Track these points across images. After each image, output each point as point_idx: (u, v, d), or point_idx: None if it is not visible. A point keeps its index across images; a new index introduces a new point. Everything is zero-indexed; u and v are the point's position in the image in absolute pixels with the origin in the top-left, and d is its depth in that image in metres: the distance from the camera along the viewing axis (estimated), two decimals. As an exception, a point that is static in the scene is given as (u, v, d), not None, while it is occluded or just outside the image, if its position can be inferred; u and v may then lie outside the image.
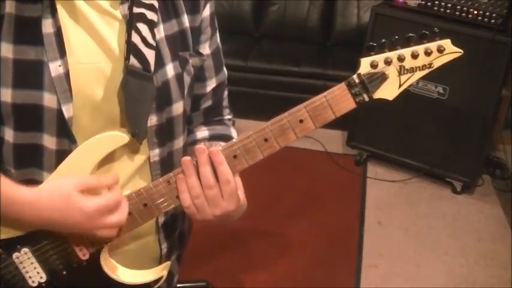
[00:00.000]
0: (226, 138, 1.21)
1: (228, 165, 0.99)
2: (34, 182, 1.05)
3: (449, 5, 2.95)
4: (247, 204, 1.09)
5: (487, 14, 2.88)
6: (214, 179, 0.99)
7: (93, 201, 0.98)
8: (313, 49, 3.95)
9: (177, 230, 1.27)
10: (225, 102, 1.31)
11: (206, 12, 1.16)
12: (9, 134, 1.03)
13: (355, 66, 0.98)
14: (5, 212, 0.97)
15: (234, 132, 1.27)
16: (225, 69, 1.27)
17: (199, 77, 1.20)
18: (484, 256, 2.81)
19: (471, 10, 2.91)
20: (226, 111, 1.32)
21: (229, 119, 1.32)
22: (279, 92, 3.72)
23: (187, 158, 1.00)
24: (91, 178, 1.02)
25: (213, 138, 1.23)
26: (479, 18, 2.90)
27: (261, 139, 0.99)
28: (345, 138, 3.50)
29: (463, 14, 2.93)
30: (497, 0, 2.90)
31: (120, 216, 1.02)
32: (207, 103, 1.26)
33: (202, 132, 1.25)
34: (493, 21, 2.87)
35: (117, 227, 1.03)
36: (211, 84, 1.24)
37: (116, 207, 1.01)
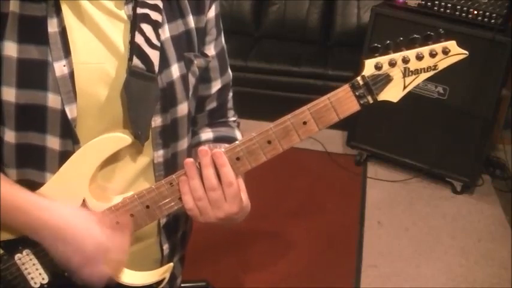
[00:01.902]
0: (231, 140, 1.20)
1: (231, 167, 0.99)
2: (34, 183, 1.05)
3: (449, 5, 2.95)
4: (250, 204, 1.08)
5: (487, 14, 2.88)
6: (217, 181, 0.99)
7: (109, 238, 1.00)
8: (313, 49, 3.95)
9: (179, 232, 1.27)
10: (230, 104, 1.30)
11: (211, 13, 1.16)
12: (9, 135, 1.02)
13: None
14: (14, 220, 0.98)
15: (238, 134, 1.26)
16: (229, 70, 1.27)
17: (204, 78, 1.20)
18: (484, 256, 2.81)
19: (471, 10, 2.91)
20: (231, 112, 1.31)
21: (234, 121, 1.31)
22: (279, 92, 3.73)
23: (190, 160, 1.00)
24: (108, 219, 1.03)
25: (217, 140, 1.22)
26: (479, 18, 2.90)
27: (264, 141, 0.98)
28: (345, 138, 3.50)
29: (463, 14, 2.93)
30: (497, 0, 2.90)
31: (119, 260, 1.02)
32: (212, 104, 1.25)
33: (207, 134, 1.24)
34: (493, 21, 2.87)
35: (102, 276, 1.02)
36: (216, 86, 1.23)
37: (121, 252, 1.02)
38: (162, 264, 1.20)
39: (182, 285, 1.36)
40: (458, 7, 2.94)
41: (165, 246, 1.22)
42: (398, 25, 2.99)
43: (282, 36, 4.04)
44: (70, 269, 1.01)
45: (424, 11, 3.01)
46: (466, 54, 0.95)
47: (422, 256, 2.78)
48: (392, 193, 3.24)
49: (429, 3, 3.00)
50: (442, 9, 2.97)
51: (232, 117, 1.31)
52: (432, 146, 3.18)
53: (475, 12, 2.91)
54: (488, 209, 3.18)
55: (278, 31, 4.06)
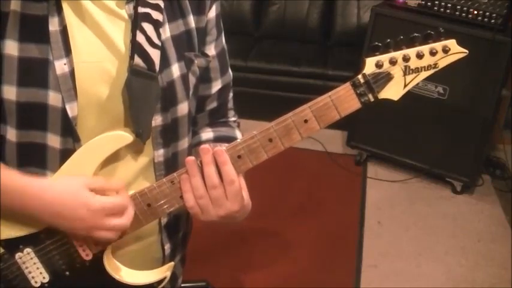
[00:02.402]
0: (231, 140, 1.19)
1: (232, 166, 0.99)
2: None
3: (449, 5, 2.95)
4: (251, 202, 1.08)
5: (487, 14, 2.88)
6: (219, 179, 0.99)
7: (100, 199, 0.99)
8: (313, 49, 3.95)
9: (180, 231, 1.27)
10: (230, 104, 1.30)
11: (212, 13, 1.16)
12: (11, 133, 1.02)
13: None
14: (11, 202, 0.98)
15: (239, 134, 1.26)
16: (230, 71, 1.27)
17: (205, 78, 1.20)
18: (484, 256, 2.81)
19: (471, 10, 2.92)
20: (232, 112, 1.31)
21: (235, 121, 1.32)
22: (279, 92, 3.73)
23: (191, 158, 1.00)
24: (101, 179, 1.02)
25: (217, 139, 1.22)
26: (479, 18, 2.90)
27: (265, 139, 0.98)
28: (345, 138, 3.50)
29: (463, 14, 2.93)
30: (497, 0, 2.90)
31: (124, 220, 1.01)
32: (212, 104, 1.25)
33: (207, 134, 1.24)
34: (493, 21, 2.87)
35: (118, 231, 1.02)
36: (216, 86, 1.23)
37: (121, 210, 1.01)
38: (163, 264, 1.20)
39: (182, 285, 1.36)
40: (458, 7, 2.94)
41: (167, 246, 1.22)
42: (398, 25, 2.99)
43: (282, 36, 4.04)
44: (83, 238, 1.02)
45: (424, 11, 3.01)
46: (466, 52, 0.95)
47: (422, 256, 2.78)
48: (392, 193, 3.24)
49: (429, 3, 3.00)
50: (442, 9, 2.98)
51: (232, 117, 1.31)
52: (432, 146, 3.18)
53: (475, 12, 2.91)
54: (488, 209, 3.18)
55: (278, 31, 4.06)
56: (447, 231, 2.98)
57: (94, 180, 1.01)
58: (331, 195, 3.19)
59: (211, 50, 1.19)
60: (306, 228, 2.90)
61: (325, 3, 4.03)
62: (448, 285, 2.62)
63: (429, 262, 2.75)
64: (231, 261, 2.65)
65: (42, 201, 0.97)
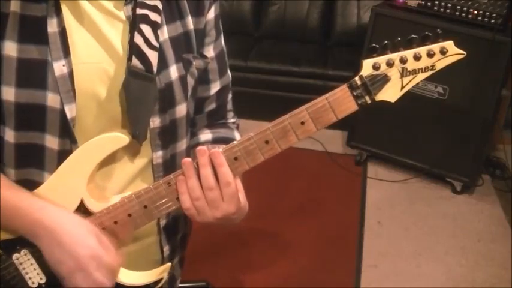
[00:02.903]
0: (230, 141, 1.19)
1: (228, 167, 0.99)
2: (33, 182, 1.05)
3: (449, 5, 2.95)
4: (248, 204, 1.08)
5: (487, 14, 2.88)
6: (215, 181, 0.99)
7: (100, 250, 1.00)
8: (313, 49, 3.95)
9: (179, 233, 1.27)
10: (229, 105, 1.30)
11: (211, 14, 1.16)
12: (9, 134, 1.02)
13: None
14: (17, 225, 0.99)
15: (237, 136, 1.26)
16: (229, 72, 1.27)
17: (203, 79, 1.20)
18: (484, 256, 2.81)
19: (471, 10, 2.91)
20: (230, 114, 1.31)
21: (234, 122, 1.31)
22: (279, 92, 3.73)
23: (187, 160, 1.00)
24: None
25: (216, 141, 1.22)
26: (479, 18, 2.90)
27: (262, 141, 0.98)
28: (345, 138, 3.50)
29: (463, 14, 2.93)
30: (497, 0, 2.90)
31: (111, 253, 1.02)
32: (211, 106, 1.25)
33: (206, 135, 1.24)
34: (493, 21, 2.87)
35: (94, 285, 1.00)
36: (215, 87, 1.23)
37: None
38: (161, 265, 1.20)
39: (182, 285, 1.36)
40: (458, 7, 2.94)
41: (166, 248, 1.22)
42: (398, 25, 2.99)
43: (282, 36, 4.04)
44: (61, 273, 1.00)
45: (424, 11, 3.01)
46: (463, 54, 0.95)
47: (422, 256, 2.78)
48: (392, 193, 3.24)
49: (429, 3, 3.00)
50: (442, 9, 2.97)
51: (231, 119, 1.31)
52: (432, 146, 3.18)
53: (475, 12, 2.90)
54: (488, 209, 3.18)
55: (278, 31, 4.06)
56: (447, 231, 2.98)
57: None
58: (331, 195, 3.19)
59: (210, 52, 1.19)
60: (305, 228, 2.90)
61: (325, 3, 4.03)
62: (448, 285, 2.62)
63: (429, 262, 2.75)
64: (231, 261, 2.66)
65: (43, 226, 0.98)
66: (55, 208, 1.01)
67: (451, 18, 2.95)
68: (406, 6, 3.05)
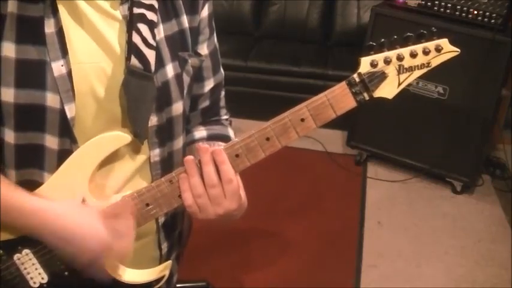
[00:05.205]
0: (224, 138, 1.22)
1: (230, 165, 0.99)
2: (34, 182, 1.05)
3: (449, 5, 2.96)
4: (248, 204, 1.09)
5: (487, 14, 2.88)
6: (217, 178, 1.00)
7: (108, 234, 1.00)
8: (313, 49, 3.95)
9: (177, 230, 1.28)
10: (222, 103, 1.31)
11: (205, 12, 1.17)
12: (9, 135, 1.03)
13: (355, 66, 0.98)
14: (21, 224, 0.99)
15: (231, 132, 1.28)
16: (222, 69, 1.28)
17: (197, 77, 1.21)
18: (484, 256, 2.81)
19: (471, 10, 2.92)
20: (224, 111, 1.32)
21: (227, 119, 1.33)
22: (279, 92, 3.73)
23: (190, 157, 1.01)
24: (111, 207, 1.04)
25: (211, 138, 1.24)
26: (479, 18, 2.90)
27: (262, 138, 0.99)
28: (345, 138, 3.50)
29: (463, 14, 2.93)
30: (497, 0, 2.90)
31: (127, 240, 1.03)
32: (205, 103, 1.26)
33: (200, 132, 1.25)
34: (493, 21, 2.87)
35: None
36: (209, 85, 1.25)
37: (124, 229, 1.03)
38: (160, 263, 1.20)
39: (182, 285, 1.37)
40: (458, 7, 2.94)
41: (164, 245, 1.22)
42: (398, 25, 2.99)
43: (282, 36, 4.05)
44: (77, 267, 1.02)
45: (424, 11, 3.01)
46: (457, 51, 0.97)
47: (422, 256, 2.78)
48: (392, 193, 3.24)
49: (429, 3, 3.00)
50: (442, 9, 2.98)
51: (224, 116, 1.32)
52: (432, 146, 3.18)
53: (475, 12, 2.91)
54: (488, 209, 3.18)
55: (278, 31, 4.06)
56: (447, 231, 2.98)
57: (105, 210, 1.02)
58: (331, 195, 3.19)
59: (204, 49, 1.20)
60: (305, 228, 2.90)
61: (325, 3, 4.03)
62: (448, 285, 2.62)
63: (429, 262, 2.75)
64: (231, 261, 2.66)
65: (49, 225, 0.99)
66: (58, 205, 1.01)
67: (451, 18, 2.95)
68: (406, 6, 3.05)
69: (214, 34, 1.23)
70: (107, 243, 0.99)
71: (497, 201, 3.25)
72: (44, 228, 0.99)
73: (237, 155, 1.00)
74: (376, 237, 2.89)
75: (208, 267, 2.55)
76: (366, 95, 0.97)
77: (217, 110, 1.30)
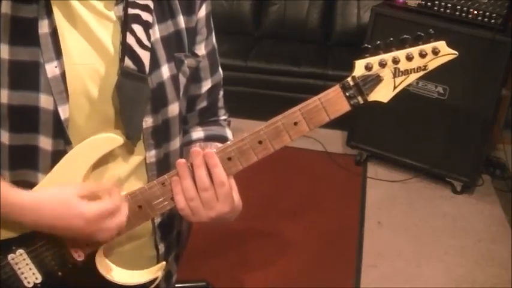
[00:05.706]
0: (222, 138, 1.21)
1: (222, 168, 0.99)
2: (28, 183, 1.05)
3: (449, 5, 2.95)
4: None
5: (487, 14, 2.87)
6: (209, 182, 0.99)
7: (94, 206, 0.99)
8: (313, 49, 3.95)
9: (174, 230, 1.27)
10: (221, 103, 1.30)
11: (202, 12, 1.16)
12: (4, 136, 1.03)
13: (353, 67, 0.98)
14: (5, 216, 0.98)
15: (229, 133, 1.27)
16: (220, 70, 1.27)
17: (195, 77, 1.20)
18: (484, 256, 2.81)
19: (471, 10, 2.91)
20: (222, 111, 1.31)
21: (225, 120, 1.32)
22: (279, 92, 3.72)
23: (182, 161, 1.01)
24: (90, 184, 1.02)
25: (208, 138, 1.23)
26: (479, 18, 2.89)
27: (255, 141, 0.99)
28: (345, 138, 3.50)
29: (463, 14, 2.93)
30: (497, 0, 2.90)
31: (120, 219, 1.02)
32: (202, 104, 1.26)
33: (198, 133, 1.25)
34: (493, 21, 2.86)
35: (117, 230, 1.03)
36: (206, 85, 1.24)
37: (116, 210, 1.01)
38: (157, 263, 1.20)
39: (182, 285, 1.36)
40: (458, 7, 2.93)
41: (161, 246, 1.22)
42: (398, 25, 2.99)
43: (282, 36, 4.04)
44: (89, 239, 1.03)
45: (424, 11, 3.01)
46: (455, 54, 0.95)
47: (422, 256, 2.78)
48: (392, 193, 3.24)
49: (429, 3, 2.99)
50: (442, 9, 2.97)
51: (223, 116, 1.31)
52: (432, 146, 3.18)
53: (475, 12, 2.90)
54: (488, 209, 3.18)
55: (278, 31, 4.06)
56: (447, 231, 2.97)
57: (84, 187, 1.01)
58: (331, 195, 3.19)
59: (201, 50, 1.19)
60: (305, 228, 2.90)
61: (325, 3, 4.02)
62: (448, 285, 2.62)
63: (429, 262, 2.74)
64: (231, 261, 2.66)
65: (37, 216, 0.98)
66: (38, 196, 1.00)
67: (451, 18, 2.94)
68: (406, 6, 3.05)
69: (213, 34, 1.22)
70: (92, 215, 0.98)
71: (497, 201, 3.24)
72: (28, 221, 0.99)
73: (229, 158, 1.00)
74: (376, 237, 2.89)
75: (207, 267, 2.55)
76: (360, 99, 0.96)
77: (215, 111, 1.29)
